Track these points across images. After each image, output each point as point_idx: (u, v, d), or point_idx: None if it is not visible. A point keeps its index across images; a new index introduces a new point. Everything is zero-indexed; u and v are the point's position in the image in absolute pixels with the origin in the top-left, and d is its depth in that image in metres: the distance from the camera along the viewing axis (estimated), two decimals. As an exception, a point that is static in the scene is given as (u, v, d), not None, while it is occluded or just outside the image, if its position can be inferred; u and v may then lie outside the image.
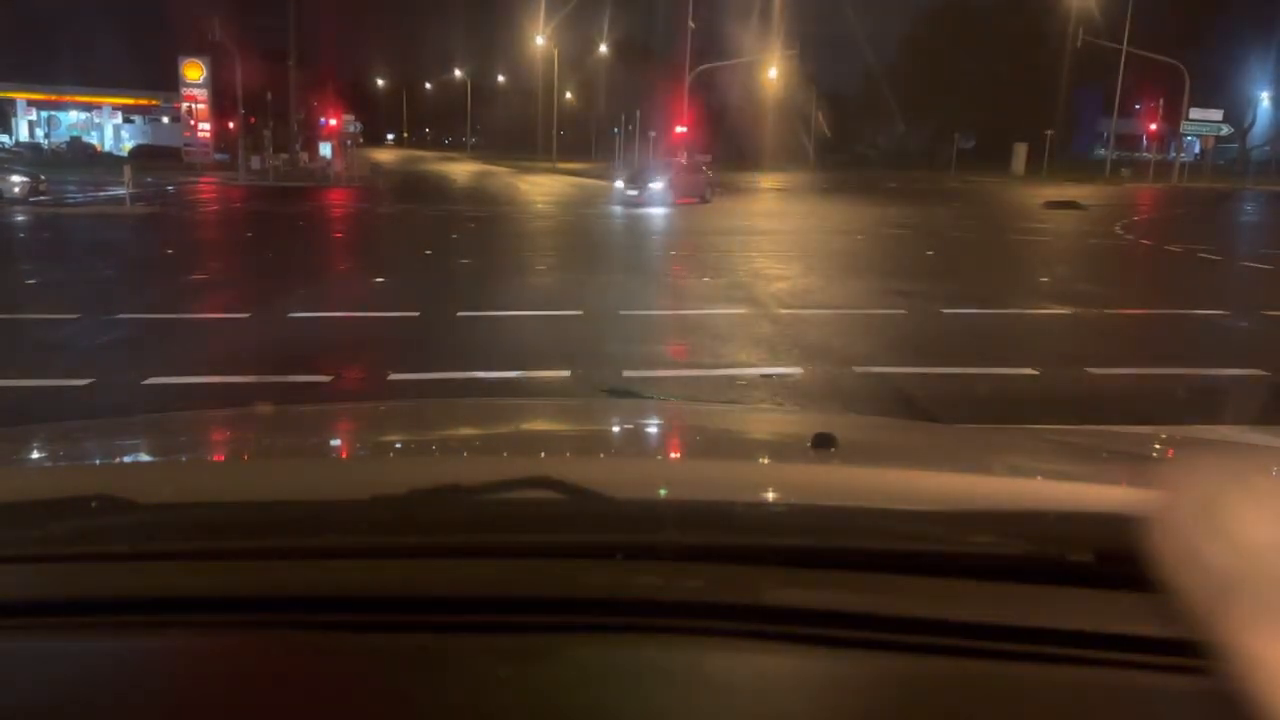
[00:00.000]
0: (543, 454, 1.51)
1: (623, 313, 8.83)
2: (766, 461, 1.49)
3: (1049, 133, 49.45)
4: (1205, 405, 6.10)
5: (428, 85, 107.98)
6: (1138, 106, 56.19)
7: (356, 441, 1.59)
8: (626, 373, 6.53)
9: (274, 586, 0.78)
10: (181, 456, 1.47)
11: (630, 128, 48.43)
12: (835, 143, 64.66)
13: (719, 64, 46.88)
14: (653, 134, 45.16)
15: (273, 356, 7.14)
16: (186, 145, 42.85)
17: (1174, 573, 0.64)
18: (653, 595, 0.76)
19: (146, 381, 6.22)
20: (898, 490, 1.08)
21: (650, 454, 1.53)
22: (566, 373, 6.52)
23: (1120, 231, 19.21)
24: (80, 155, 48.29)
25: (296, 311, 8.88)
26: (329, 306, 9.36)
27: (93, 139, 55.87)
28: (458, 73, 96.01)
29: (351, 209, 24.93)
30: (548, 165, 54.60)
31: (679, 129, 38.49)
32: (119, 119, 58.19)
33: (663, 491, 1.10)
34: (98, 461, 1.44)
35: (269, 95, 41.00)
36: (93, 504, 0.87)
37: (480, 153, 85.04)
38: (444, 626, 0.73)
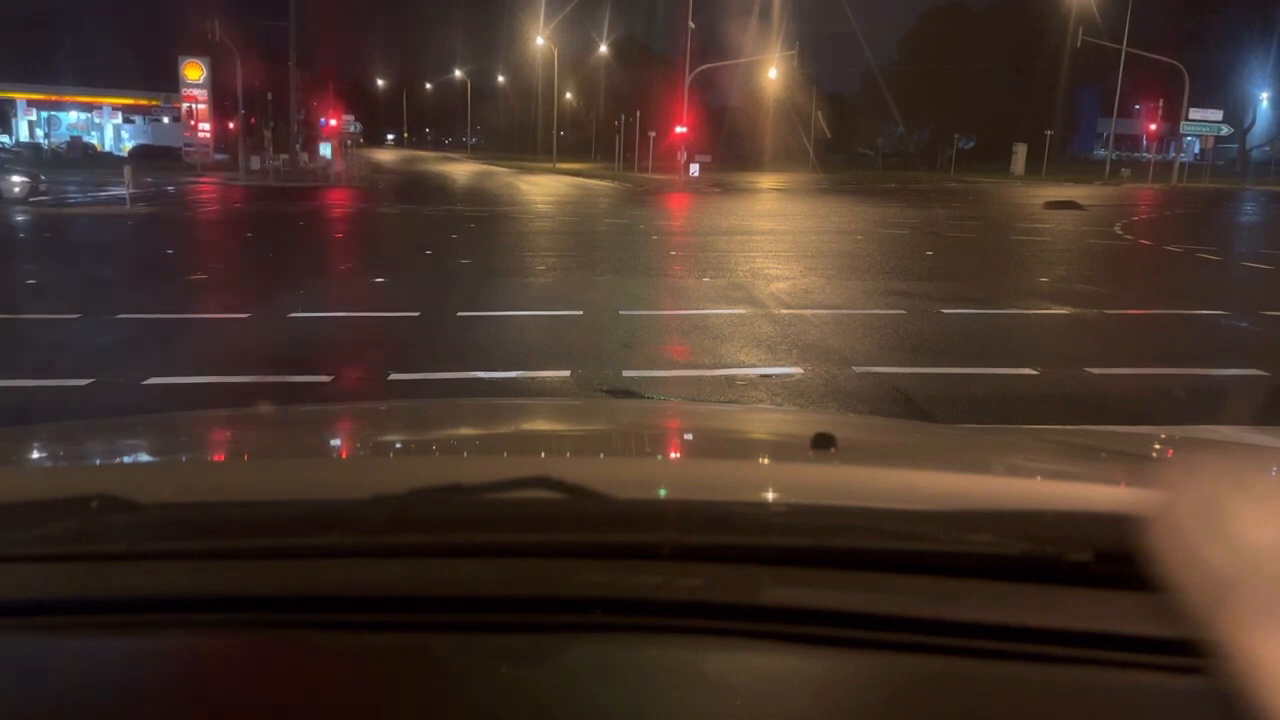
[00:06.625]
0: (543, 454, 1.51)
1: (623, 312, 8.83)
2: (766, 461, 1.48)
3: (1049, 133, 49.44)
4: (1205, 405, 6.10)
5: (428, 85, 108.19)
6: (1137, 107, 56.32)
7: (357, 441, 1.59)
8: (626, 373, 6.54)
9: (274, 586, 0.78)
10: (182, 456, 1.46)
11: (631, 123, 48.37)
12: (835, 143, 64.72)
13: (719, 64, 46.91)
14: (653, 134, 45.15)
15: (273, 356, 7.15)
16: (186, 145, 42.83)
17: (1173, 573, 0.64)
18: (652, 595, 0.76)
19: (147, 381, 6.22)
20: (897, 490, 1.08)
21: (650, 454, 1.53)
22: (566, 373, 6.52)
23: (1120, 232, 19.20)
24: (80, 155, 48.32)
25: (297, 311, 8.88)
26: (329, 306, 9.35)
27: (93, 139, 55.92)
28: (458, 73, 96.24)
29: (351, 209, 24.91)
30: (548, 165, 54.60)
31: (679, 129, 38.52)
32: (119, 119, 58.26)
33: (662, 491, 1.10)
34: (98, 461, 1.44)
35: (269, 95, 41.02)
36: (93, 504, 0.87)
37: (480, 153, 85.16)
38: (444, 626, 0.73)
